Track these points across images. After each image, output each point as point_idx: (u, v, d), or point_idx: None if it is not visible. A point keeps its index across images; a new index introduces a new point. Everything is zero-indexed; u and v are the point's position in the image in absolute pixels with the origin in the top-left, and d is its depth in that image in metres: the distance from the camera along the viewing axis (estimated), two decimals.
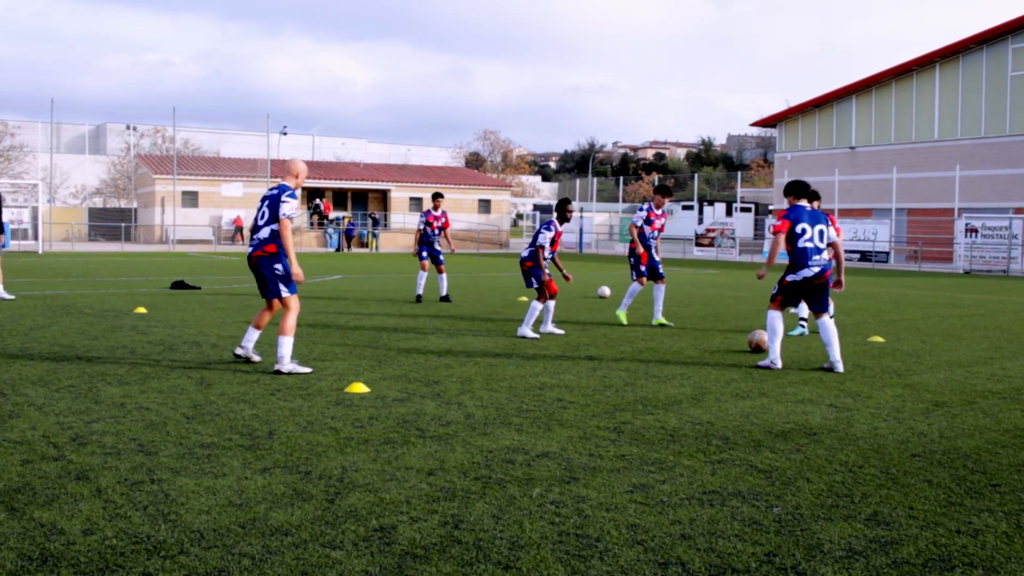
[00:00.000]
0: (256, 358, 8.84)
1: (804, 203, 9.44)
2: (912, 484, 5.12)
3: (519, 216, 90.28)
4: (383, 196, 60.50)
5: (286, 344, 8.20)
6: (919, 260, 40.44)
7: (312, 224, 55.93)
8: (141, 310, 13.70)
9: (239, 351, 8.87)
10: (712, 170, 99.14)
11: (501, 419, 6.61)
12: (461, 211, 59.82)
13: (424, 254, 16.10)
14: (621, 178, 75.81)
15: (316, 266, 29.59)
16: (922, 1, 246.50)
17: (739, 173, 66.65)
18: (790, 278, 9.32)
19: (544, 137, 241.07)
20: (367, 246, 54.75)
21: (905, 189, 46.27)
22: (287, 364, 8.20)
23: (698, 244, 49.27)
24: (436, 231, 16.17)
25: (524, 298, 17.50)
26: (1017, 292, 23.34)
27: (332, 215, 56.06)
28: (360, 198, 60.53)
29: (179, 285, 18.63)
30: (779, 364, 9.26)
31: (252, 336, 8.80)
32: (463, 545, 4.01)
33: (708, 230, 49.86)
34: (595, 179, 72.98)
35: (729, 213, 59.12)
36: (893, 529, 4.35)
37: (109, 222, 55.67)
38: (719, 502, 4.71)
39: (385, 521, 4.30)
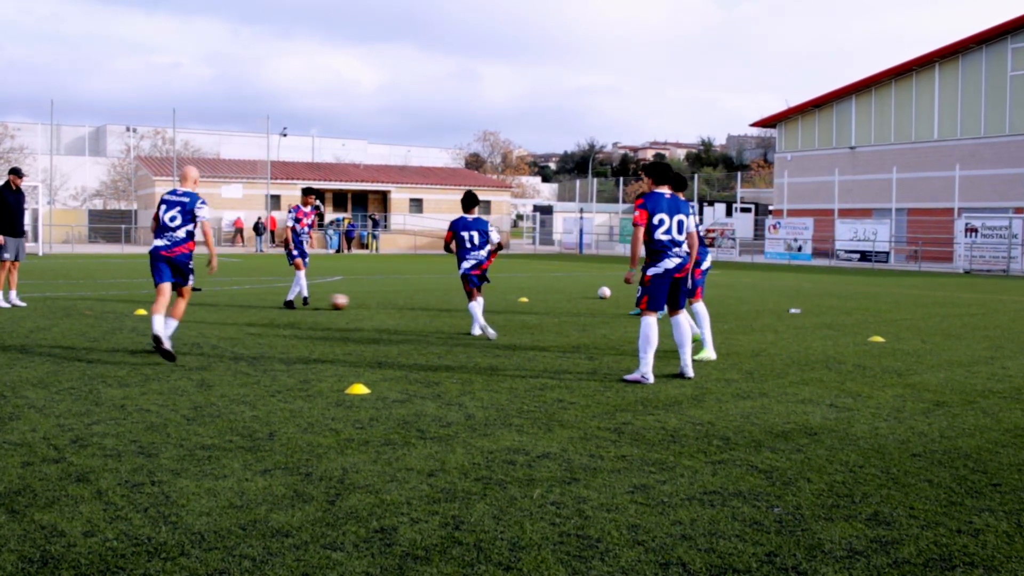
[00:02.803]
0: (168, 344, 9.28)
1: (665, 190, 8.50)
2: (913, 484, 5.12)
3: (519, 217, 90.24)
4: (383, 197, 60.51)
5: (175, 326, 9.49)
6: (919, 260, 40.44)
7: (312, 225, 55.82)
8: (142, 312, 13.70)
9: (167, 347, 9.09)
10: (712, 170, 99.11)
11: (502, 420, 6.61)
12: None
13: (296, 253, 15.20)
14: (621, 179, 75.81)
15: (316, 267, 29.57)
16: (922, 1, 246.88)
17: (739, 173, 66.68)
18: (651, 272, 8.40)
19: (549, 138, 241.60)
20: (367, 247, 54.76)
21: (905, 189, 46.27)
22: (168, 343, 9.09)
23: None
24: (305, 229, 15.48)
25: (525, 299, 17.52)
26: (1017, 292, 23.33)
27: (334, 216, 56.05)
28: (360, 199, 60.52)
29: None
30: (651, 378, 8.23)
31: (162, 323, 9.21)
32: (464, 546, 4.01)
33: (708, 230, 49.82)
34: (595, 180, 72.99)
35: (729, 213, 59.08)
36: (894, 529, 4.35)
37: (109, 224, 55.70)
38: (720, 502, 4.71)
39: (386, 522, 4.30)
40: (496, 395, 7.56)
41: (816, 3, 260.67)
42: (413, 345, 10.59)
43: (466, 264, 11.62)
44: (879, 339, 11.82)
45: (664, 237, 8.36)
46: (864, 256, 42.47)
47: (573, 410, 7.01)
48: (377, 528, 4.22)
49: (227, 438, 5.89)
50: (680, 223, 8.42)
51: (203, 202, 9.70)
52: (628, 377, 8.37)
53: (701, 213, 60.28)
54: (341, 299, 14.94)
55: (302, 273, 15.13)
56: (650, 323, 8.28)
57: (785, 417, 6.89)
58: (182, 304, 9.63)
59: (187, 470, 5.12)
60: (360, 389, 7.59)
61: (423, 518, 4.37)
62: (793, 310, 15.91)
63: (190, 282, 9.67)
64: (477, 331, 11.56)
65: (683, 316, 8.60)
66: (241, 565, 3.74)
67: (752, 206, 61.69)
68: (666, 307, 8.72)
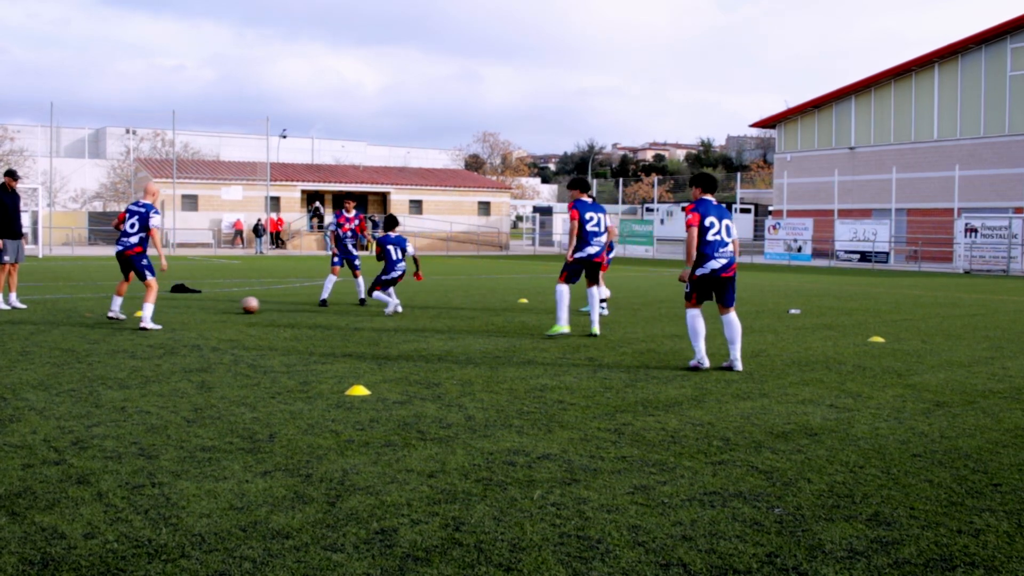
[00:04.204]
0: (123, 316, 12.74)
1: (711, 197, 9.30)
2: (913, 484, 5.12)
3: (519, 218, 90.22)
4: (383, 199, 60.52)
5: (150, 309, 11.83)
6: (919, 260, 40.44)
7: (312, 227, 55.96)
8: (142, 313, 13.68)
9: (112, 315, 12.56)
10: (712, 171, 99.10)
11: (502, 421, 6.61)
12: (461, 213, 59.82)
13: (337, 259, 16.22)
14: (621, 180, 75.80)
15: (316, 268, 29.58)
16: (922, 1, 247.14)
17: (739, 174, 66.68)
18: (699, 272, 9.16)
19: (549, 139, 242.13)
20: (366, 248, 54.70)
21: (905, 189, 46.27)
22: (149, 323, 11.75)
23: None
24: (348, 234, 16.26)
25: (524, 300, 17.51)
26: (1017, 292, 23.34)
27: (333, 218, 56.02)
28: (360, 201, 60.54)
29: (179, 288, 18.62)
30: (706, 363, 9.17)
31: (118, 302, 12.64)
32: (464, 547, 4.01)
33: None
34: (595, 181, 72.96)
35: None
36: (894, 529, 4.35)
37: (109, 226, 55.65)
38: (720, 503, 4.71)
39: (386, 523, 4.30)
40: (496, 396, 7.56)
41: (816, 4, 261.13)
42: (413, 346, 10.59)
43: (394, 274, 14.54)
44: (879, 339, 11.82)
45: (714, 239, 9.12)
46: (864, 256, 42.47)
47: (573, 411, 7.01)
48: (377, 529, 4.22)
49: (227, 440, 5.89)
50: (728, 227, 9.23)
51: (156, 212, 12.18)
52: (691, 364, 9.25)
53: None
54: (252, 302, 14.22)
55: (333, 277, 16.24)
56: (694, 315, 9.21)
57: (785, 418, 6.89)
58: (151, 292, 11.96)
59: (187, 472, 5.12)
60: (360, 390, 7.59)
61: (423, 519, 4.37)
62: (793, 310, 15.91)
63: (147, 276, 12.06)
64: (391, 311, 14.27)
65: (733, 315, 9.22)
66: (241, 567, 3.74)
67: (752, 207, 61.72)
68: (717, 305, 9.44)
